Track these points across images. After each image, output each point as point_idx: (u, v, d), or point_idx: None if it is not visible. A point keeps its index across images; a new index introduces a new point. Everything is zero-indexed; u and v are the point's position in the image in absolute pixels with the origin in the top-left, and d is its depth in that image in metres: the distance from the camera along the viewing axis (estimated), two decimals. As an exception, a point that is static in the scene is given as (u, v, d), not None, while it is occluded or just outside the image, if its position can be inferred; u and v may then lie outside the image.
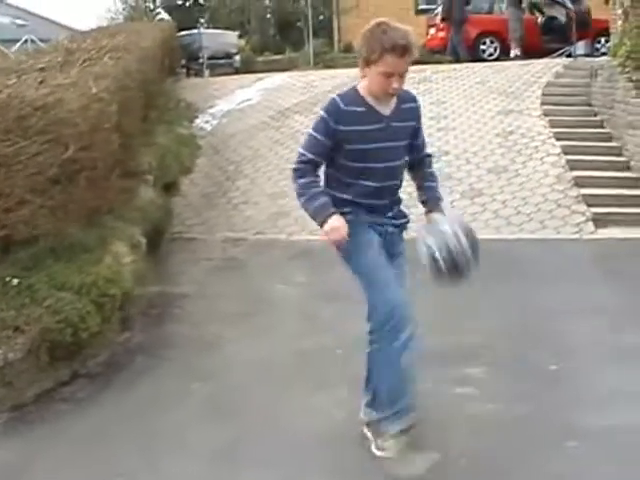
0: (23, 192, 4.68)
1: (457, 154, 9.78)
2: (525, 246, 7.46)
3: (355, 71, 13.86)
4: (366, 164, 3.61)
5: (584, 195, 8.28)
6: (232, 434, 4.27)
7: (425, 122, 10.49)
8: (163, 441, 4.21)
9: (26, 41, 19.22)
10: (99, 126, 5.63)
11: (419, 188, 3.91)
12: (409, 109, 3.74)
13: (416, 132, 3.82)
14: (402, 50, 3.42)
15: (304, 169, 3.62)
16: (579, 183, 8.55)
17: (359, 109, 3.57)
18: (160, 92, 12.20)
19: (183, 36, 19.38)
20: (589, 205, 8.09)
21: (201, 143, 11.70)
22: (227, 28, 23.80)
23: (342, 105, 3.56)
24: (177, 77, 16.88)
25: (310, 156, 3.61)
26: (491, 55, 16.52)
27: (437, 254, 3.51)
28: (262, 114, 12.81)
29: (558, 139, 9.71)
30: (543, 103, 10.91)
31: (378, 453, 3.75)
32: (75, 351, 4.82)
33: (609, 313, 5.74)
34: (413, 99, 3.80)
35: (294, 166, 3.66)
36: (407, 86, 12.17)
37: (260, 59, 22.00)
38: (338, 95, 3.64)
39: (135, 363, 5.30)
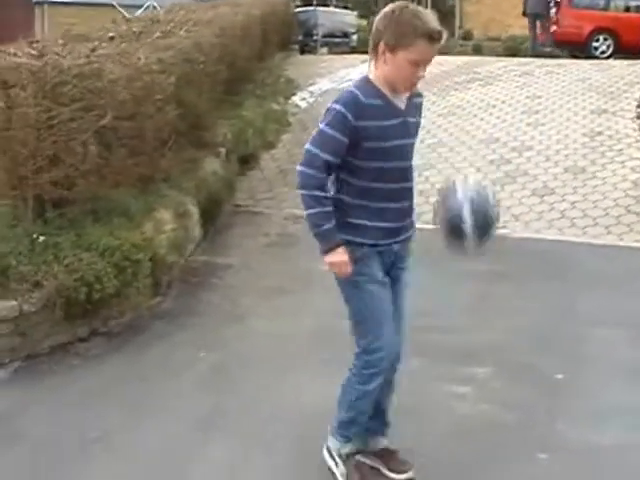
0: (52, 154, 4.90)
1: (539, 150, 9.56)
2: (582, 250, 7.22)
3: (465, 59, 13.77)
4: (384, 163, 3.29)
5: (657, 204, 7.96)
6: (220, 404, 4.40)
7: (516, 116, 10.59)
8: (153, 405, 4.41)
9: (148, 7, 19.80)
10: (148, 97, 5.82)
11: None
12: (419, 104, 3.47)
13: (418, 126, 3.51)
14: (438, 36, 3.15)
15: (318, 177, 3.22)
16: (655, 190, 8.23)
17: (378, 102, 3.24)
18: (258, 67, 12.44)
19: (300, 12, 19.56)
20: (660, 214, 7.79)
21: (292, 120, 11.83)
22: (351, 8, 23.85)
23: (363, 98, 3.21)
24: (289, 53, 17.11)
25: (326, 156, 3.20)
26: (603, 53, 16.00)
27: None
28: (359, 96, 12.83)
29: (646, 143, 9.36)
30: (640, 105, 10.51)
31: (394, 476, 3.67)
32: (90, 310, 5.03)
33: (641, 328, 5.55)
34: (420, 93, 3.48)
35: (305, 169, 3.22)
36: (507, 78, 12.10)
37: (379, 40, 21.84)
38: (355, 87, 3.27)
39: (156, 327, 5.49)
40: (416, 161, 9.83)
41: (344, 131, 3.19)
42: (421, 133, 11.04)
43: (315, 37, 19.56)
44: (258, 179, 9.67)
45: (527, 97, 11.30)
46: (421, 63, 3.18)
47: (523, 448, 3.99)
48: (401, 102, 3.30)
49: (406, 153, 3.38)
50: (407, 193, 3.44)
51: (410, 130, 3.37)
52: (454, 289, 6.23)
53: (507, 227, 7.79)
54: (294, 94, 13.24)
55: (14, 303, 4.71)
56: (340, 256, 3.24)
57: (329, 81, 14.04)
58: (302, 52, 19.15)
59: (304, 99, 13.03)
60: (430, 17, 3.17)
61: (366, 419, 3.59)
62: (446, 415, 4.32)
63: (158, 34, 7.44)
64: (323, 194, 3.23)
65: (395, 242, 3.41)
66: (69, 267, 4.87)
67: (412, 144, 3.42)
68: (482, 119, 10.84)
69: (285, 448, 3.92)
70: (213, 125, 8.62)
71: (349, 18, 21.58)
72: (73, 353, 4.99)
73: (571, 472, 3.80)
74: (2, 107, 4.91)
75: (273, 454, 3.88)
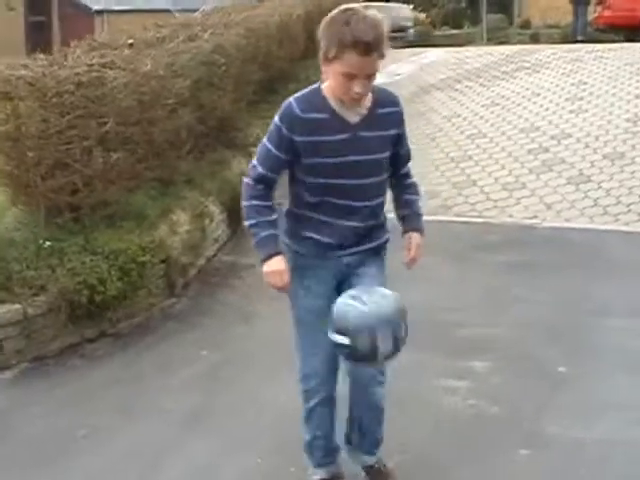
0: (54, 161, 5.04)
1: (579, 137, 9.35)
2: (611, 238, 7.03)
3: (514, 48, 13.70)
4: (330, 180, 3.05)
5: (695, 189, 7.71)
6: (209, 403, 4.46)
7: (559, 103, 10.41)
8: (144, 403, 4.50)
9: (203, 10, 20.04)
10: (156, 102, 5.92)
11: (396, 201, 3.37)
12: (387, 115, 3.10)
13: (399, 141, 3.20)
14: (365, 48, 2.79)
15: (257, 189, 3.09)
16: (695, 175, 7.97)
17: (320, 116, 2.99)
18: (302, 66, 12.47)
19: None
20: (697, 200, 7.54)
21: (336, 117, 11.81)
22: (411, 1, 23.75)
23: (298, 111, 2.98)
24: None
25: (263, 171, 3.07)
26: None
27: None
28: (405, 90, 12.76)
29: (691, 127, 9.07)
30: (689, 87, 10.21)
31: None
32: (97, 312, 5.15)
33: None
34: (394, 102, 3.16)
35: (246, 180, 3.13)
36: (555, 66, 11.90)
37: (437, 33, 21.81)
38: (295, 98, 3.03)
39: (165, 328, 5.57)
40: (454, 153, 9.81)
41: (280, 145, 3.02)
42: (462, 124, 11.00)
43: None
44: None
45: (572, 84, 11.09)
46: (355, 77, 2.86)
47: (506, 443, 3.94)
48: (354, 115, 3.03)
49: (361, 171, 3.07)
50: (364, 211, 3.14)
51: (366, 146, 3.05)
52: (469, 281, 6.19)
53: (537, 217, 7.68)
54: (341, 91, 13.22)
55: (18, 307, 4.85)
56: (275, 265, 3.06)
57: (378, 76, 13.95)
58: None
59: (350, 96, 13.00)
60: (365, 25, 2.80)
61: (323, 444, 3.43)
62: (434, 409, 4.30)
63: (181, 38, 7.54)
64: (262, 203, 3.09)
65: (344, 255, 3.19)
66: (72, 271, 5.00)
67: (372, 160, 3.09)
68: (525, 108, 10.66)
69: (265, 449, 3.93)
70: (246, 126, 8.69)
71: (404, 12, 21.41)
72: (79, 354, 5.11)
73: (548, 469, 3.74)
74: (5, 118, 5.06)
75: (251, 454, 3.89)
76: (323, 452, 3.46)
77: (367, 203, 3.14)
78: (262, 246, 3.09)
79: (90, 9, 23.62)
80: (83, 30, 20.98)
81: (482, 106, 11.14)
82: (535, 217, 7.68)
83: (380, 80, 11.81)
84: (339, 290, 3.19)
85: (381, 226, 3.26)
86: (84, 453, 3.98)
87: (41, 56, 5.77)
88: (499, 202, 8.10)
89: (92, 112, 5.16)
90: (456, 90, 12.21)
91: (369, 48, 2.79)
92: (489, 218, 7.77)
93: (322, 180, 3.05)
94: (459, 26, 23.26)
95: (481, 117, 10.68)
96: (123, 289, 5.22)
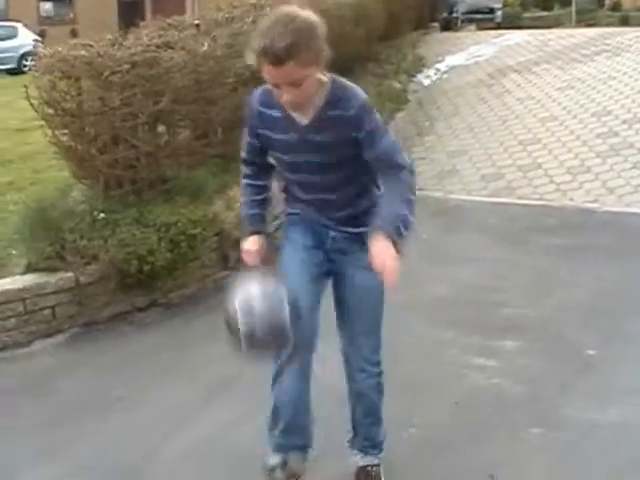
0: (111, 136, 5.31)
1: (650, 123, 9.20)
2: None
3: (598, 31, 13.40)
4: (290, 174, 3.04)
5: None
6: (243, 371, 4.61)
7: (635, 87, 10.27)
8: (182, 369, 4.71)
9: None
10: (214, 81, 6.13)
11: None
12: (338, 117, 2.79)
13: (363, 143, 2.83)
14: (274, 58, 2.56)
15: (244, 170, 3.18)
16: None
17: (274, 113, 2.86)
18: (382, 46, 12.60)
19: (442, -10, 19.47)
20: None
21: (412, 98, 11.85)
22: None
23: (257, 104, 2.89)
24: (427, 30, 17.03)
25: (243, 154, 3.14)
26: None
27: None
28: (483, 71, 12.76)
29: None
30: None
31: None
32: (147, 281, 5.41)
33: None
34: (348, 106, 2.78)
35: None
36: (636, 49, 11.70)
37: (526, 15, 21.50)
38: (262, 89, 2.89)
39: (215, 299, 5.71)
40: (523, 135, 9.72)
41: (249, 131, 3.01)
42: (535, 107, 10.94)
43: (455, 14, 19.41)
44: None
45: (642, 71, 10.90)
46: (278, 85, 2.68)
47: (520, 422, 4.00)
48: (305, 116, 2.84)
49: (313, 170, 2.93)
50: (335, 202, 3.02)
51: (315, 148, 2.86)
52: (519, 263, 6.22)
53: (598, 200, 7.61)
54: (420, 71, 13.25)
55: (70, 275, 5.16)
56: (248, 244, 3.10)
57: (457, 58, 13.95)
58: (445, 29, 18.95)
59: (428, 77, 13.01)
60: (279, 33, 2.55)
61: (287, 416, 3.23)
62: (457, 387, 4.38)
63: (251, 19, 7.71)
64: (251, 182, 3.16)
65: (331, 227, 3.08)
66: (122, 242, 5.26)
67: (325, 163, 2.90)
68: (599, 92, 10.50)
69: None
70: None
71: (493, -7, 21.24)
72: (128, 322, 5.39)
73: (558, 449, 3.77)
74: (64, 95, 5.35)
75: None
76: (284, 426, 3.22)
77: (336, 196, 3.01)
78: (244, 224, 3.20)
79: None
80: (174, 9, 21.44)
81: (557, 89, 11.02)
82: (596, 201, 7.62)
83: (458, 62, 11.88)
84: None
85: (372, 213, 2.96)
86: (116, 414, 4.22)
87: (108, 36, 6.06)
88: (562, 185, 8.06)
89: (147, 91, 5.40)
90: (533, 73, 12.10)
91: (279, 58, 2.55)
92: (549, 201, 7.75)
93: (286, 173, 3.04)
94: (549, 8, 22.84)
95: (554, 100, 10.57)
96: (172, 260, 5.46)
